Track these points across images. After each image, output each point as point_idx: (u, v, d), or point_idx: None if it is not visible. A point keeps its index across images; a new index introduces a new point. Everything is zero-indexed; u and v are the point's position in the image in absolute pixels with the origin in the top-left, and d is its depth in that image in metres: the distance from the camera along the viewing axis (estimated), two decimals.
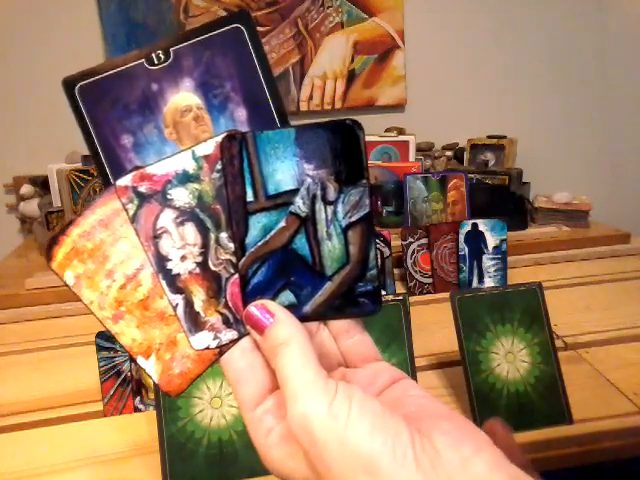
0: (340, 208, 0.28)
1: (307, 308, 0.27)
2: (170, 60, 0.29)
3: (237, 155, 0.27)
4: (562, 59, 1.62)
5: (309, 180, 0.28)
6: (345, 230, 0.28)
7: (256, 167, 0.27)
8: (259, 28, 1.47)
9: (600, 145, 1.69)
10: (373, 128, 1.48)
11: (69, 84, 0.29)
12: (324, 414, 0.21)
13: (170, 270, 0.27)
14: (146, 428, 0.52)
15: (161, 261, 0.27)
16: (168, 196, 0.27)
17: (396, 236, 0.87)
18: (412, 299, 0.78)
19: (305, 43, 1.49)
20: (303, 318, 0.27)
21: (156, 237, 0.27)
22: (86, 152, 1.13)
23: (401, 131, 1.39)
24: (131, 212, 0.27)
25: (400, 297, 0.52)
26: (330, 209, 0.28)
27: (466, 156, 1.38)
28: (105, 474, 0.47)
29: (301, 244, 0.27)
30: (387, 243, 0.81)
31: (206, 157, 0.28)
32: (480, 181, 1.14)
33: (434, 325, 0.68)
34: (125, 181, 0.28)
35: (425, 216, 1.06)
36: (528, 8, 1.58)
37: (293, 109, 1.54)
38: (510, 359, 0.51)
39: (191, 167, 0.28)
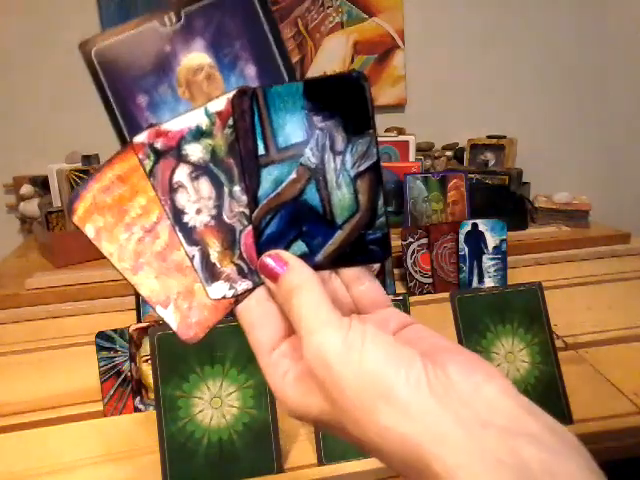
0: (348, 158, 0.28)
1: (319, 257, 0.28)
2: (182, 21, 0.31)
3: (248, 110, 0.28)
4: (562, 59, 1.62)
5: (317, 132, 0.28)
6: (354, 179, 0.28)
7: (266, 121, 0.28)
8: None
9: (600, 145, 1.69)
10: None
11: (85, 47, 0.31)
12: (339, 345, 0.22)
13: (186, 223, 0.28)
14: (146, 428, 0.52)
15: (177, 214, 0.28)
16: (183, 151, 0.28)
17: (396, 236, 0.87)
18: (412, 299, 0.78)
19: (305, 43, 1.49)
20: (316, 267, 0.27)
21: (172, 191, 0.28)
22: (86, 152, 1.12)
23: (401, 131, 1.39)
24: (148, 167, 0.28)
25: (400, 297, 0.52)
26: (339, 159, 0.28)
27: (466, 156, 1.38)
28: (105, 474, 0.47)
29: (312, 194, 0.28)
30: None
31: (218, 113, 0.28)
32: (480, 181, 1.14)
33: (434, 325, 0.67)
34: (141, 138, 0.28)
35: (425, 216, 1.06)
36: (528, 8, 1.58)
37: None
38: (510, 359, 0.51)
39: (204, 123, 0.28)
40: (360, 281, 0.28)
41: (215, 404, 0.47)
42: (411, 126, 1.46)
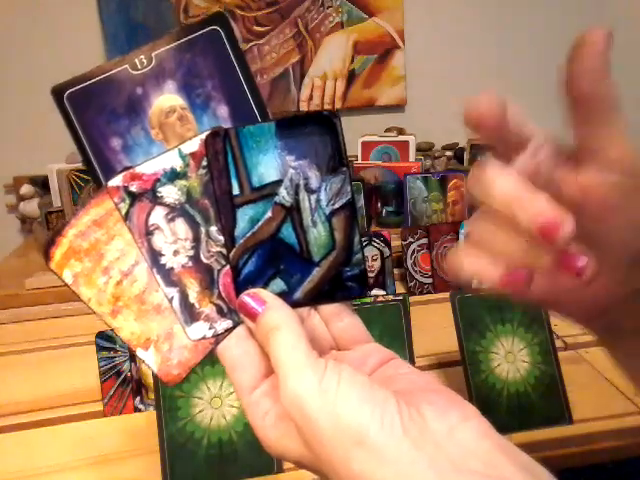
0: (323, 196, 0.28)
1: (297, 294, 0.28)
2: (152, 64, 0.31)
3: (221, 151, 0.28)
4: (562, 59, 1.62)
5: (291, 171, 0.28)
6: (329, 217, 0.29)
7: (240, 161, 0.28)
8: (259, 28, 1.47)
9: None
10: (373, 128, 1.48)
11: (58, 92, 0.32)
12: (314, 390, 0.22)
13: (164, 265, 0.28)
14: (146, 428, 0.52)
15: (155, 256, 0.28)
16: (158, 194, 0.28)
17: (396, 236, 0.87)
18: (412, 299, 0.78)
19: (305, 43, 1.49)
20: (294, 304, 0.27)
21: (149, 234, 0.28)
22: None
23: (401, 131, 1.39)
24: (123, 211, 0.28)
25: (400, 297, 0.52)
26: (314, 197, 0.29)
27: (466, 156, 1.38)
28: (105, 474, 0.47)
29: (288, 233, 0.28)
30: (387, 243, 0.81)
31: (192, 154, 0.29)
32: None
33: (434, 325, 0.67)
34: (116, 181, 0.28)
35: (425, 216, 1.06)
36: (528, 8, 1.58)
37: (293, 109, 1.54)
38: (510, 359, 0.51)
39: (178, 165, 0.29)
40: (339, 317, 0.28)
41: (215, 404, 0.47)
42: (411, 126, 1.46)
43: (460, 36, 1.56)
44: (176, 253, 0.28)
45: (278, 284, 0.28)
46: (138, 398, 0.56)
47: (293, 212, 0.29)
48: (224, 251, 0.28)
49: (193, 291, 0.28)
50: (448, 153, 1.52)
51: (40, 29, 1.39)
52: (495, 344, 0.52)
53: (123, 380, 0.56)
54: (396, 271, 0.86)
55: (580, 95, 0.25)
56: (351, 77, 1.53)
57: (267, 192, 0.28)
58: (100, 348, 0.56)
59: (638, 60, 1.63)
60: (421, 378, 0.25)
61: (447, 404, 0.22)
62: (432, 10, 1.54)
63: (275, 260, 0.28)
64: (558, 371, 0.52)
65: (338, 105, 1.54)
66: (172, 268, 0.28)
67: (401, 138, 1.34)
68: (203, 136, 0.29)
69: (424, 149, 1.51)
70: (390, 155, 1.34)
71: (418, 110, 1.58)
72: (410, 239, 0.86)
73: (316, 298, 0.28)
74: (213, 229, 0.29)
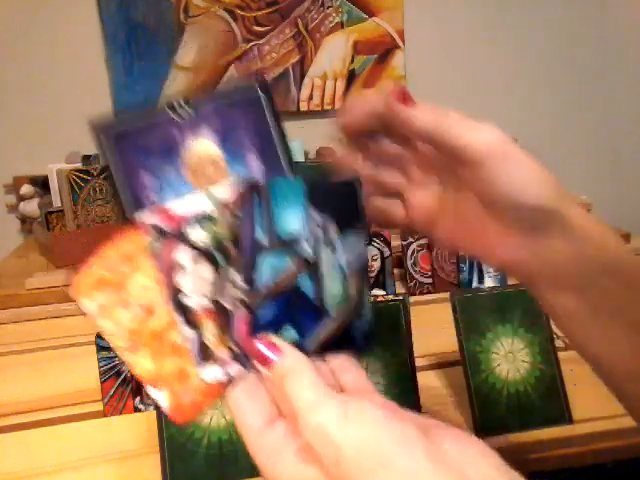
0: (340, 251, 0.30)
1: (309, 344, 0.29)
2: (192, 110, 0.33)
3: (250, 201, 0.30)
4: (562, 59, 1.62)
5: (314, 225, 0.30)
6: (345, 273, 0.30)
7: (267, 212, 0.30)
8: (259, 28, 1.47)
9: (600, 145, 1.69)
10: None
11: (97, 128, 0.32)
12: (340, 420, 0.23)
13: (185, 305, 0.29)
14: (146, 428, 0.52)
15: (176, 295, 0.29)
16: (185, 234, 0.29)
17: (396, 236, 0.87)
18: (412, 299, 0.78)
19: (305, 43, 1.49)
20: (306, 354, 0.28)
21: (173, 272, 0.29)
22: (86, 152, 1.12)
23: None
24: (150, 247, 0.29)
25: (400, 297, 0.52)
26: (332, 252, 0.30)
27: None
28: (105, 474, 0.47)
29: (306, 284, 0.30)
30: (387, 243, 0.81)
31: (222, 200, 0.30)
32: None
33: (434, 325, 0.67)
34: (147, 217, 0.29)
35: None
36: (528, 8, 1.58)
37: (293, 109, 1.54)
38: (510, 359, 0.51)
39: (208, 208, 0.30)
40: (346, 369, 0.29)
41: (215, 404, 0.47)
42: None
43: (460, 36, 1.56)
44: (198, 294, 0.29)
45: (291, 333, 0.29)
46: (138, 398, 0.56)
47: (312, 265, 0.30)
48: (243, 297, 0.29)
49: (210, 333, 0.29)
50: None
51: (40, 29, 1.39)
52: (495, 344, 0.52)
53: (123, 380, 0.56)
54: (396, 271, 0.86)
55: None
56: (351, 77, 1.53)
57: (290, 243, 0.30)
58: (100, 348, 0.56)
59: (638, 60, 1.63)
60: (430, 421, 0.25)
61: (465, 441, 0.23)
62: (432, 10, 1.54)
63: (291, 309, 0.29)
64: (558, 371, 0.52)
65: (338, 105, 1.53)
66: (192, 309, 0.29)
67: None
68: (233, 183, 0.30)
69: None
70: None
71: None
72: (410, 239, 0.86)
73: (326, 349, 0.29)
74: (235, 274, 0.29)
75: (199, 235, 0.29)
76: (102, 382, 0.56)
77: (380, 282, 0.80)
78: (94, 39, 1.41)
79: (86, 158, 1.07)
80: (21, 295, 0.88)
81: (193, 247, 0.29)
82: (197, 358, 0.28)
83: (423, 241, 0.87)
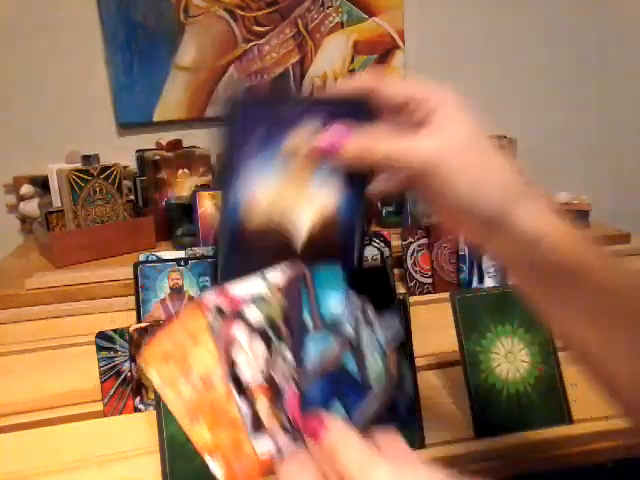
0: (379, 329, 0.33)
1: (356, 420, 0.31)
2: (308, 108, 0.36)
3: (297, 288, 0.33)
4: (562, 59, 1.62)
5: (354, 307, 0.33)
6: (385, 350, 0.33)
7: (313, 298, 0.33)
8: (259, 28, 1.47)
9: (600, 145, 1.69)
10: None
11: (234, 102, 0.36)
12: (394, 474, 0.26)
13: (240, 379, 0.32)
14: (146, 428, 0.52)
15: (233, 370, 0.32)
16: (243, 314, 0.32)
17: (396, 236, 0.87)
18: (412, 299, 0.78)
19: (305, 43, 1.49)
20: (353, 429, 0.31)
21: (230, 348, 0.32)
22: (86, 152, 1.12)
23: None
24: (212, 324, 0.32)
25: (400, 297, 0.52)
26: (372, 331, 0.33)
27: None
28: (105, 474, 0.47)
29: (350, 362, 0.32)
30: (387, 243, 0.81)
31: (276, 283, 0.33)
32: None
33: (434, 325, 0.67)
34: (209, 298, 0.32)
35: (425, 216, 1.06)
36: (527, 8, 1.58)
37: None
38: (510, 359, 0.51)
39: (263, 290, 0.33)
40: (391, 444, 0.30)
41: None
42: None
43: (460, 36, 1.56)
44: (252, 369, 0.32)
45: (339, 409, 0.31)
46: (138, 398, 0.56)
47: (355, 344, 0.32)
48: (294, 373, 0.32)
49: (263, 407, 0.31)
50: None
51: (40, 29, 1.39)
52: (495, 344, 0.52)
53: (123, 380, 0.56)
54: (396, 271, 0.86)
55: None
56: None
57: (333, 325, 0.32)
58: (100, 348, 0.56)
59: (639, 60, 1.63)
60: None
61: None
62: (432, 10, 1.54)
63: (337, 387, 0.32)
64: (558, 371, 0.52)
65: None
66: (247, 383, 0.31)
67: None
68: (286, 268, 0.33)
69: None
70: None
71: None
72: (410, 239, 0.86)
73: (372, 424, 0.31)
74: (287, 352, 0.32)
75: (254, 314, 0.32)
76: (102, 382, 0.56)
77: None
78: (94, 39, 1.41)
79: (86, 158, 1.07)
80: (21, 295, 0.88)
81: (249, 325, 0.32)
82: (251, 430, 0.31)
83: (423, 241, 0.87)
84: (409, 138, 0.32)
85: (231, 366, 0.31)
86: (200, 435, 0.31)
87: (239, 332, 0.32)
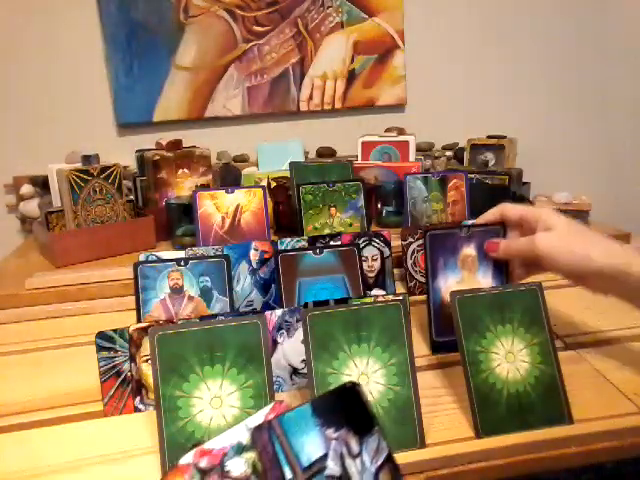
0: (366, 457, 0.32)
1: None
2: (471, 233, 0.64)
3: (268, 441, 0.31)
4: (562, 59, 1.62)
5: (334, 442, 0.31)
6: (376, 474, 0.31)
7: (287, 446, 0.31)
8: (259, 28, 1.47)
9: (600, 145, 1.69)
10: (373, 128, 1.48)
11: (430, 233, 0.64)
12: None
13: None
14: (146, 428, 0.52)
15: None
16: (225, 467, 0.31)
17: (396, 236, 0.87)
18: (412, 299, 0.78)
19: (305, 43, 1.49)
20: None
21: None
22: (86, 152, 1.12)
23: (401, 131, 1.39)
24: None
25: (400, 297, 0.52)
26: (358, 461, 0.31)
27: (466, 156, 1.38)
28: (105, 474, 0.47)
29: None
30: (387, 243, 0.81)
31: (255, 426, 0.31)
32: (480, 181, 1.14)
33: None
34: (187, 459, 0.31)
35: (425, 216, 1.06)
36: (528, 8, 1.58)
37: (293, 109, 1.54)
38: (510, 359, 0.51)
39: (245, 438, 0.31)
40: None
41: (215, 404, 0.47)
42: (411, 126, 1.46)
43: (460, 36, 1.56)
44: None
45: None
46: (138, 398, 0.56)
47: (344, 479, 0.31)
48: None
49: None
50: (448, 153, 1.52)
51: (40, 29, 1.39)
52: (495, 344, 0.52)
53: (123, 380, 0.56)
54: (396, 271, 0.86)
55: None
56: (351, 77, 1.53)
57: (317, 468, 0.31)
58: (100, 348, 0.56)
59: (638, 60, 1.63)
60: None
61: None
62: (432, 10, 1.54)
63: None
64: (558, 371, 0.52)
65: (338, 105, 1.54)
66: None
67: (401, 138, 1.34)
68: (267, 410, 0.32)
69: (424, 149, 1.50)
70: (390, 155, 1.34)
71: (418, 110, 1.58)
72: (410, 239, 0.86)
73: None
74: None
75: (238, 465, 0.31)
76: (102, 382, 0.56)
77: (380, 282, 0.80)
78: (94, 39, 1.41)
79: (86, 158, 1.07)
80: (21, 295, 0.88)
81: (233, 479, 0.30)
82: None
83: (423, 241, 0.87)
84: (530, 239, 0.57)
85: None
86: None
87: None
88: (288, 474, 0.30)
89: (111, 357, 0.56)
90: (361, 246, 0.78)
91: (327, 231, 0.99)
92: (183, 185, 1.23)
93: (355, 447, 0.31)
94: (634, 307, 0.54)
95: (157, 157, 1.20)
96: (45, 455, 0.50)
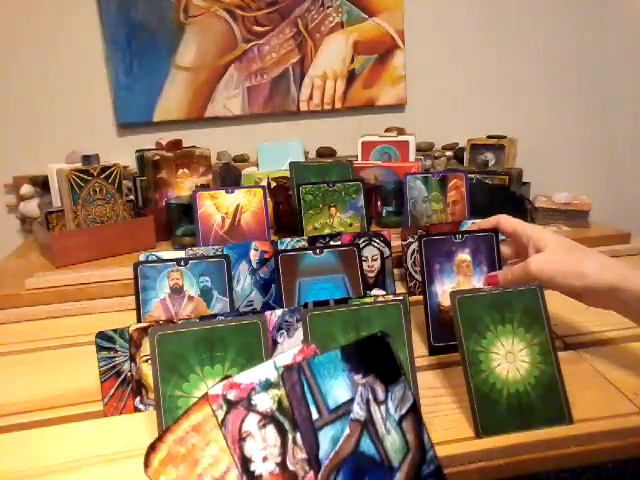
0: (390, 404, 0.32)
1: None
2: (463, 239, 0.66)
3: (297, 382, 0.32)
4: (562, 59, 1.62)
5: (360, 388, 0.32)
6: (399, 422, 0.32)
7: (315, 388, 0.32)
8: (259, 28, 1.47)
9: (600, 145, 1.69)
10: (373, 128, 1.48)
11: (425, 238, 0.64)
12: None
13: (253, 471, 0.30)
14: (146, 428, 0.52)
15: (245, 463, 0.30)
16: (252, 402, 0.31)
17: (396, 236, 0.87)
18: (412, 299, 0.78)
19: (305, 43, 1.49)
20: None
21: (241, 440, 0.31)
22: (86, 152, 1.12)
23: (401, 131, 1.39)
24: (220, 417, 0.31)
25: (400, 297, 0.52)
26: (383, 408, 0.32)
27: (466, 156, 1.38)
28: (105, 474, 0.47)
29: (366, 445, 0.31)
30: (387, 243, 0.81)
31: (286, 366, 0.32)
32: (480, 181, 1.14)
33: None
34: (217, 390, 0.32)
35: (425, 216, 1.06)
36: (528, 8, 1.58)
37: (293, 109, 1.54)
38: (510, 359, 0.51)
39: (273, 375, 0.32)
40: None
41: None
42: (411, 126, 1.46)
43: (460, 36, 1.56)
44: (265, 459, 0.30)
45: None
46: (138, 398, 0.56)
47: (368, 425, 0.32)
48: (311, 460, 0.31)
49: None
50: (448, 153, 1.52)
51: (40, 29, 1.39)
52: (495, 344, 0.52)
53: (123, 380, 0.56)
54: (396, 271, 0.86)
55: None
56: (351, 77, 1.53)
57: (343, 411, 0.31)
58: (100, 348, 0.56)
59: (638, 60, 1.63)
60: None
61: None
62: (432, 10, 1.54)
63: (360, 473, 0.31)
64: (558, 371, 0.52)
65: (338, 105, 1.54)
66: (260, 475, 0.30)
67: (401, 138, 1.34)
68: (296, 351, 0.33)
69: (424, 149, 1.51)
70: (390, 155, 1.34)
71: (418, 110, 1.58)
72: (410, 239, 0.86)
73: None
74: (299, 436, 0.31)
75: (264, 401, 0.31)
76: (102, 382, 0.56)
77: (380, 282, 0.80)
78: (94, 39, 1.41)
79: (86, 158, 1.07)
80: (21, 295, 0.88)
81: (259, 413, 0.31)
82: None
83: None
84: (523, 265, 0.57)
85: (243, 460, 0.30)
86: None
87: (249, 421, 0.31)
88: (314, 414, 0.31)
89: (111, 357, 0.56)
90: (361, 246, 0.78)
91: (327, 231, 0.99)
92: (183, 185, 1.23)
93: (381, 394, 0.32)
94: (631, 321, 0.55)
95: (157, 157, 1.20)
96: (45, 455, 0.50)
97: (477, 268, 0.64)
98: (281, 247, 0.78)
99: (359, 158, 1.36)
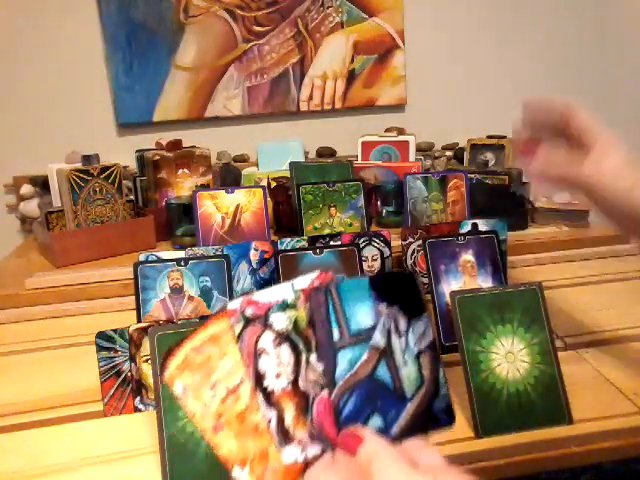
0: (411, 338, 0.33)
1: (394, 429, 0.31)
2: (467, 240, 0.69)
3: (323, 302, 0.32)
4: (563, 59, 1.62)
5: (383, 317, 0.33)
6: (417, 356, 0.33)
7: (340, 310, 0.32)
8: (259, 28, 1.47)
9: None
10: (373, 128, 1.48)
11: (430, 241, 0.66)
12: None
13: (266, 387, 0.31)
14: (146, 428, 0.52)
15: (259, 378, 0.31)
16: (269, 320, 0.32)
17: (396, 236, 0.87)
18: None
19: (305, 43, 1.49)
20: (392, 439, 0.30)
21: (256, 356, 0.31)
22: (86, 152, 1.12)
23: (401, 131, 1.39)
24: (237, 331, 0.31)
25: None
26: (403, 339, 0.33)
27: (466, 156, 1.38)
28: (105, 474, 0.47)
29: (383, 372, 0.32)
30: (387, 243, 0.81)
31: (303, 290, 0.33)
32: (480, 181, 1.14)
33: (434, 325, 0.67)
34: (235, 304, 0.32)
35: (425, 216, 1.06)
36: (528, 8, 1.58)
37: (293, 109, 1.54)
38: (510, 359, 0.51)
39: (290, 297, 0.32)
40: (420, 449, 0.30)
41: None
42: (411, 126, 1.46)
43: (460, 36, 1.56)
44: (278, 376, 0.31)
45: (375, 421, 0.31)
46: (138, 398, 0.56)
47: (387, 353, 0.32)
48: (320, 380, 0.31)
49: (289, 415, 0.31)
50: (448, 153, 1.52)
51: (40, 29, 1.39)
52: (495, 344, 0.52)
53: (123, 380, 0.56)
54: (396, 271, 0.86)
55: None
56: (351, 77, 1.53)
57: (363, 337, 0.32)
58: (100, 348, 0.56)
59: (638, 60, 1.63)
60: None
61: None
62: (432, 10, 1.54)
63: (372, 398, 0.31)
64: (558, 371, 0.52)
65: (338, 105, 1.54)
66: (273, 391, 0.31)
67: (401, 138, 1.34)
68: (314, 275, 0.33)
69: (424, 149, 1.51)
70: (390, 155, 1.34)
71: (418, 110, 1.58)
72: (410, 239, 0.86)
73: (410, 432, 0.31)
74: (313, 357, 0.32)
75: (281, 321, 0.32)
76: (102, 382, 0.56)
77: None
78: (94, 39, 1.41)
79: (86, 158, 1.07)
80: (21, 295, 0.88)
81: (275, 332, 0.31)
82: (277, 439, 0.30)
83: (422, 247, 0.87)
84: (577, 166, 0.49)
85: (257, 375, 0.31)
86: (226, 445, 0.30)
87: (265, 339, 0.31)
88: (336, 335, 0.31)
89: (111, 357, 0.56)
90: (361, 246, 0.78)
91: (327, 231, 0.99)
92: (183, 185, 1.23)
93: (403, 326, 0.33)
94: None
95: (157, 157, 1.20)
96: (45, 455, 0.50)
97: (482, 269, 0.66)
98: (281, 247, 0.78)
99: (359, 158, 1.36)
